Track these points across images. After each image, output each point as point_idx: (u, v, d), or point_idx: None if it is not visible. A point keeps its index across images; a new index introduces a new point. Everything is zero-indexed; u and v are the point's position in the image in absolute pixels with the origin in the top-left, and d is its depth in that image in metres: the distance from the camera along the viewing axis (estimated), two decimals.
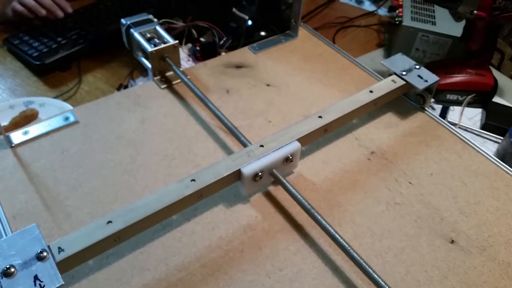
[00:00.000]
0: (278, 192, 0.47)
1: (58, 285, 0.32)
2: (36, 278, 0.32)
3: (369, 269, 0.37)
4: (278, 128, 0.49)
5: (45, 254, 0.33)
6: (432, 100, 0.58)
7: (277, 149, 0.45)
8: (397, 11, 0.87)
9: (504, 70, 0.83)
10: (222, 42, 0.76)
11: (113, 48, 0.77)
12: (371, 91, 0.54)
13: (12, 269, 0.32)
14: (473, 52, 0.73)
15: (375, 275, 0.37)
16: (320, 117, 0.49)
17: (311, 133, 0.48)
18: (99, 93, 0.71)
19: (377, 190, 0.48)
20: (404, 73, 0.57)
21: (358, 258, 0.38)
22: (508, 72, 0.83)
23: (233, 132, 0.50)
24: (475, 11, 0.66)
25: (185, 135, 0.53)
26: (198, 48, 0.76)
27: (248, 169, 0.43)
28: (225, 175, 0.42)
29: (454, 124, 0.69)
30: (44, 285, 0.32)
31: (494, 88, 0.74)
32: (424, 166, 0.51)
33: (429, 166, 0.51)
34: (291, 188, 0.44)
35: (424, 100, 0.58)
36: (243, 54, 0.67)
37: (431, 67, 0.59)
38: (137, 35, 0.59)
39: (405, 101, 0.60)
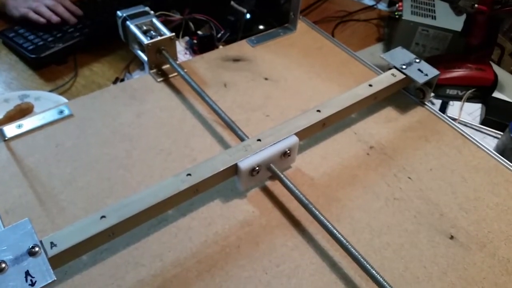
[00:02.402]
0: (275, 187, 0.47)
1: (50, 281, 0.31)
2: (27, 273, 0.31)
3: (367, 265, 0.37)
4: (276, 123, 0.48)
5: (37, 249, 0.33)
6: (432, 94, 0.58)
7: (274, 143, 0.45)
8: (397, 5, 0.86)
9: (504, 65, 0.83)
10: (219, 35, 0.75)
11: (109, 41, 0.76)
12: (370, 85, 0.53)
13: (3, 265, 0.32)
14: (473, 46, 0.72)
15: (373, 271, 0.36)
16: (318, 111, 0.49)
17: (309, 127, 0.47)
18: (95, 86, 0.70)
19: (376, 185, 0.48)
20: (404, 66, 0.56)
21: (356, 254, 0.37)
22: (508, 67, 0.82)
23: (230, 126, 0.50)
24: (476, 5, 0.66)
25: (182, 129, 0.52)
26: (195, 41, 0.75)
27: (245, 164, 0.42)
28: (222, 169, 0.42)
29: (454, 119, 0.68)
30: (35, 281, 0.31)
31: (494, 83, 0.73)
32: (424, 161, 0.51)
33: (429, 161, 0.51)
34: (288, 183, 0.43)
35: (424, 95, 0.57)
36: (241, 47, 0.66)
37: (431, 61, 0.58)
38: (133, 28, 0.58)
39: (404, 96, 0.59)
